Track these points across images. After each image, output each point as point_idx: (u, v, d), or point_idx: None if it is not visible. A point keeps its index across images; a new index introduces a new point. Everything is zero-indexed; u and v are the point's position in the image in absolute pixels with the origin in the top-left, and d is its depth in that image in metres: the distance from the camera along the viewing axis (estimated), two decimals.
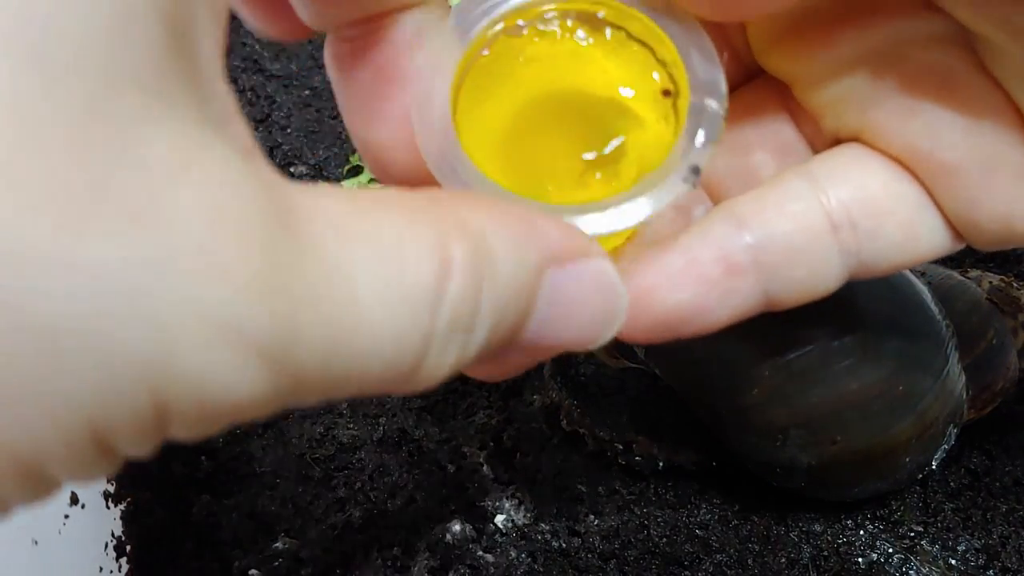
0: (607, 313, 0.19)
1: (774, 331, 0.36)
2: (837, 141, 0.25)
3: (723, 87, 0.21)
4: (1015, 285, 0.45)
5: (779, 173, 0.25)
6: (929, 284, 0.40)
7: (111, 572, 0.40)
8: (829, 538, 0.42)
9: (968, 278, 0.44)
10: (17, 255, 0.10)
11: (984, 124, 0.22)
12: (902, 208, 0.24)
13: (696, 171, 0.21)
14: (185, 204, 0.12)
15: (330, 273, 0.14)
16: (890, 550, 0.42)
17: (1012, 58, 0.21)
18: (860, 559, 0.42)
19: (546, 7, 0.22)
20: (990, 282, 0.44)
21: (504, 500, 0.44)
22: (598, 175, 0.22)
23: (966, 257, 0.52)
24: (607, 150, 0.23)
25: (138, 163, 0.11)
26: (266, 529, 0.42)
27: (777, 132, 0.26)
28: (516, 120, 0.23)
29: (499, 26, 0.22)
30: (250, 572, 0.41)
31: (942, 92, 0.22)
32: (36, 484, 0.12)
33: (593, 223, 0.20)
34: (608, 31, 0.23)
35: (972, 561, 0.42)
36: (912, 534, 0.43)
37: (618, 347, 0.41)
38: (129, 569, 0.41)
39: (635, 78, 0.23)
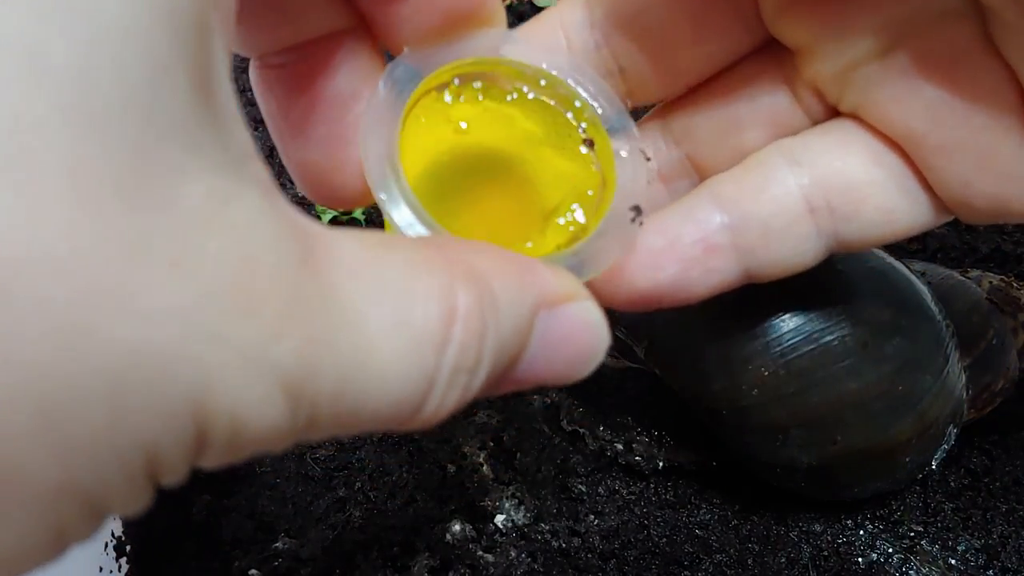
0: (591, 350, 0.20)
1: (775, 331, 0.36)
2: (836, 114, 0.25)
3: (634, 129, 0.23)
4: (1015, 285, 0.45)
5: (764, 150, 0.25)
6: (929, 284, 0.40)
7: (111, 572, 0.40)
8: (829, 538, 0.42)
9: (968, 278, 0.44)
10: (80, 300, 0.11)
11: (983, 108, 0.22)
12: (882, 192, 0.24)
13: (638, 210, 0.23)
14: (217, 251, 0.13)
15: (346, 314, 0.14)
16: (890, 550, 0.42)
17: (1020, 34, 0.21)
18: (860, 559, 0.42)
19: (469, 69, 0.23)
20: (990, 282, 0.44)
21: (504, 500, 0.44)
22: (560, 220, 0.23)
23: (966, 257, 0.52)
24: (552, 204, 0.23)
25: (176, 213, 0.12)
26: (266, 529, 0.42)
27: (773, 105, 0.26)
28: (449, 183, 0.23)
29: (427, 87, 0.22)
30: (250, 572, 0.41)
31: (947, 73, 0.22)
32: (96, 521, 0.13)
33: (570, 269, 0.21)
34: (526, 89, 0.24)
35: (972, 561, 0.42)
36: (912, 534, 0.43)
37: (618, 347, 0.41)
38: (129, 569, 0.41)
39: (558, 134, 0.24)
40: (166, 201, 0.12)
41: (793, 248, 0.25)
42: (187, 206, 0.12)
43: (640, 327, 0.39)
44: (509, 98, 0.24)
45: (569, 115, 0.24)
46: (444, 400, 0.16)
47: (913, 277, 0.39)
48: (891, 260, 0.39)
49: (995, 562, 0.42)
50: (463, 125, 0.23)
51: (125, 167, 0.12)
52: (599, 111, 0.24)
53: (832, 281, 0.37)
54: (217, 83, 0.14)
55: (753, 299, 0.36)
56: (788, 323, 0.36)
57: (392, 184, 0.20)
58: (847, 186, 0.24)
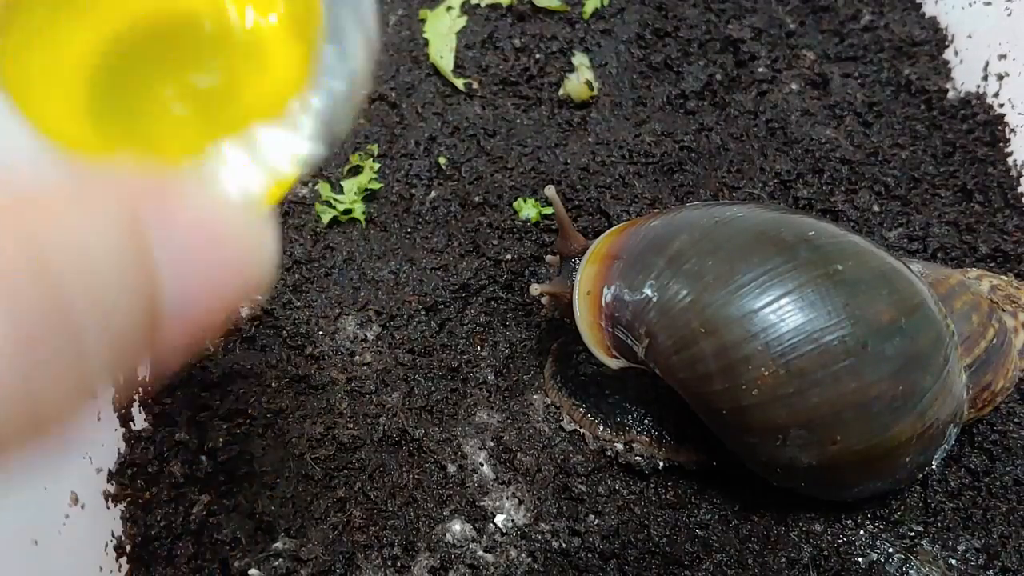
0: (239, 234, 0.15)
1: (775, 331, 0.36)
2: None
3: (370, 12, 0.15)
4: (1015, 285, 0.45)
5: None
6: (929, 284, 0.40)
7: (111, 572, 0.40)
8: (829, 538, 0.42)
9: (968, 278, 0.44)
10: None
11: None
12: None
13: (330, 127, 0.16)
14: None
15: None
16: (890, 550, 0.42)
17: None
18: (860, 559, 0.42)
19: None
20: (990, 282, 0.44)
21: (504, 500, 0.44)
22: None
23: (966, 257, 0.52)
24: (206, 82, 0.18)
25: None
26: (266, 529, 0.42)
27: None
28: (104, 57, 0.17)
29: None
30: (250, 572, 0.41)
31: None
32: None
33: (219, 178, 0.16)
34: None
35: (972, 561, 0.42)
36: (912, 534, 0.43)
37: (618, 347, 0.41)
38: (129, 569, 0.41)
39: None
40: None
41: None
42: None
43: (640, 327, 0.39)
44: None
45: None
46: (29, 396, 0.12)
47: (913, 277, 0.39)
48: (892, 260, 0.39)
49: (995, 562, 0.42)
50: None
51: None
52: None
53: (832, 281, 0.37)
54: None
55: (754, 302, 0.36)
56: (788, 323, 0.36)
57: None
58: None
